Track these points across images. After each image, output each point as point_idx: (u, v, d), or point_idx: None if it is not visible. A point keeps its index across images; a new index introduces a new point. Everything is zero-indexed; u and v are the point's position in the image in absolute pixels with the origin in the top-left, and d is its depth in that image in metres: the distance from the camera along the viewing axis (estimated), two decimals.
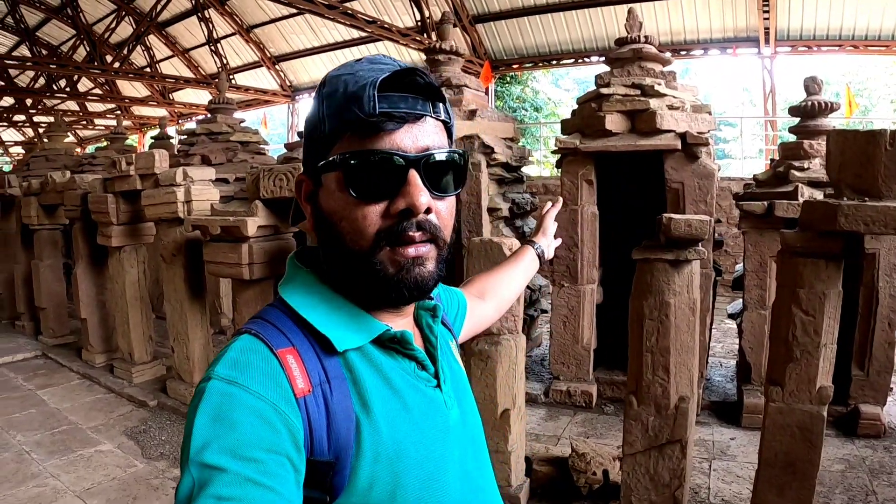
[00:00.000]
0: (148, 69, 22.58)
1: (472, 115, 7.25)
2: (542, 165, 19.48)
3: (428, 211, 0.97)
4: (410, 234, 0.96)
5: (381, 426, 0.95)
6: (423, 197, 0.95)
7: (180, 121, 26.76)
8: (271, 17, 20.07)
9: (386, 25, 14.90)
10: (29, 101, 24.16)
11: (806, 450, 3.40)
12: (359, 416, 0.95)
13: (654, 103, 5.88)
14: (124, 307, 7.21)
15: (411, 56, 18.65)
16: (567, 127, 6.50)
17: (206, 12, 20.31)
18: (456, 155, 1.01)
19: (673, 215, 3.41)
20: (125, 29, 20.93)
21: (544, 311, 7.77)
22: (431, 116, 0.99)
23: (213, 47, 21.10)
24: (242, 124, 11.81)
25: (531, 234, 2.03)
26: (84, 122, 30.22)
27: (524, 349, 4.16)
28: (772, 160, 7.12)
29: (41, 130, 23.74)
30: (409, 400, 1.01)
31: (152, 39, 22.72)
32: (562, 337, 6.36)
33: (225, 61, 21.56)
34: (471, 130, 6.96)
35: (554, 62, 16.99)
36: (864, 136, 3.54)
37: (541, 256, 1.94)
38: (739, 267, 6.68)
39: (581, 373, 6.31)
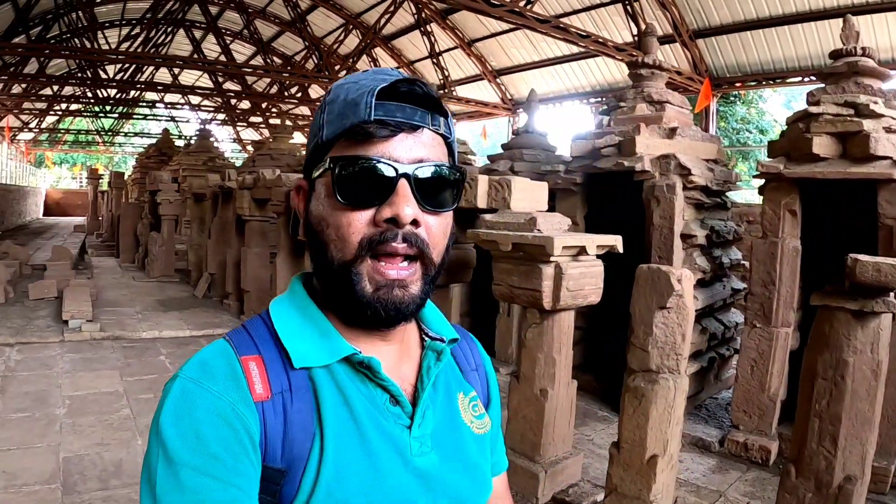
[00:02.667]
0: None
1: (671, 133, 6.89)
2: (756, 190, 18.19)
3: (416, 224, 0.94)
4: (394, 244, 0.92)
5: (329, 447, 0.94)
6: (408, 208, 0.92)
7: None
8: (492, 32, 20.41)
9: (600, 40, 14.62)
10: (264, 105, 26.44)
11: None
12: (315, 432, 0.95)
13: (868, 125, 5.16)
14: None
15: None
16: (773, 150, 5.90)
17: (428, 27, 21.05)
18: (451, 170, 0.98)
19: (860, 256, 2.95)
20: (353, 41, 22.37)
21: (738, 351, 7.19)
22: (429, 128, 0.96)
23: (434, 60, 21.88)
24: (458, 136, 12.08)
25: None
26: None
27: (685, 392, 3.80)
28: None
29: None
30: (366, 429, 0.96)
31: (378, 52, 24.05)
32: (747, 383, 5.76)
33: (447, 73, 22.27)
34: (668, 149, 6.62)
35: (779, 80, 15.64)
36: None
37: None
38: None
39: (763, 425, 5.65)
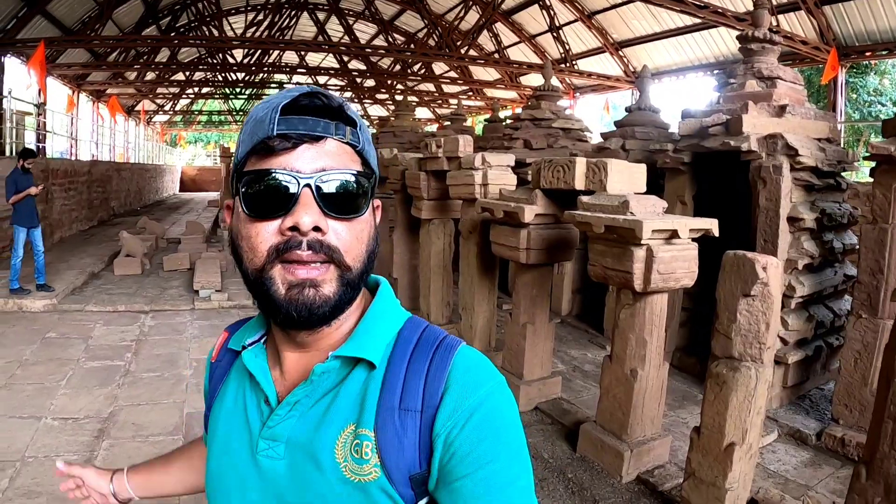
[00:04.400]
0: (496, 55, 24.01)
1: (781, 111, 6.69)
2: None
3: (320, 231, 0.96)
4: (298, 252, 0.95)
5: (211, 415, 1.21)
6: (307, 216, 0.94)
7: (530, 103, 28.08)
8: (611, 3, 20.02)
9: (719, 10, 14.12)
10: (389, 82, 27.02)
11: None
12: (214, 400, 1.23)
13: None
14: (428, 273, 8.05)
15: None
16: (888, 129, 5.51)
17: (547, 0, 20.92)
18: (358, 177, 1.00)
19: None
20: (473, 17, 22.49)
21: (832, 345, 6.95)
22: (333, 138, 0.99)
23: (555, 34, 21.75)
24: (567, 111, 12.20)
25: None
26: (439, 102, 32.93)
27: (767, 381, 3.84)
28: None
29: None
30: (238, 415, 1.13)
31: (499, 27, 24.07)
32: (850, 375, 5.55)
33: (567, 47, 22.10)
34: (777, 128, 6.42)
35: None
36: None
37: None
38: None
39: (864, 421, 5.28)
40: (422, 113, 27.12)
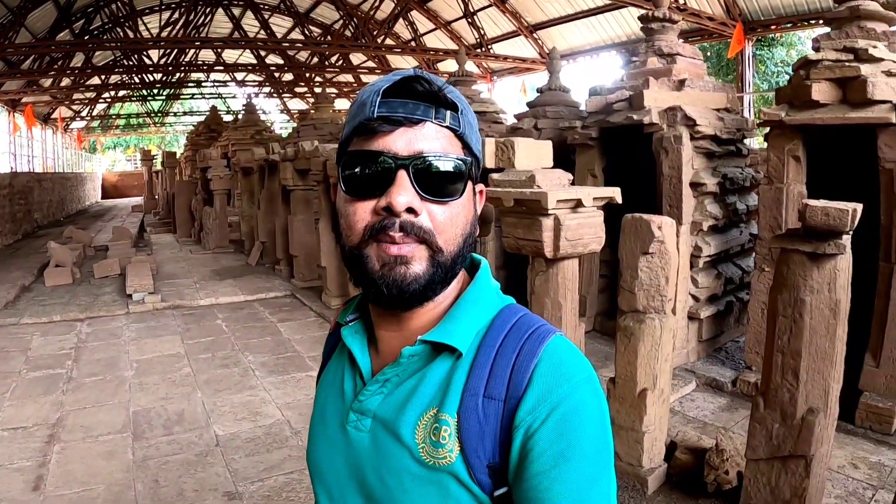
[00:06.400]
0: (412, 42, 24.11)
1: (680, 85, 7.04)
2: None
3: (414, 213, 0.97)
4: (391, 233, 0.97)
5: (318, 386, 1.28)
6: (402, 197, 0.96)
7: None
8: None
9: None
10: (307, 75, 26.82)
11: None
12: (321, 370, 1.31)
13: (866, 69, 5.22)
14: None
15: None
16: (780, 97, 5.94)
17: None
18: (450, 160, 1.00)
19: (810, 201, 3.18)
20: (388, 5, 22.54)
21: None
22: (432, 122, 1.00)
23: (470, 19, 21.99)
24: (482, 95, 12.37)
25: None
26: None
27: (671, 330, 4.13)
28: None
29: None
30: (336, 385, 1.18)
31: (415, 14, 24.19)
32: (758, 325, 5.83)
33: (483, 32, 22.34)
34: (676, 101, 6.77)
35: (814, 21, 14.89)
36: None
37: None
38: None
39: None
40: (342, 104, 26.93)
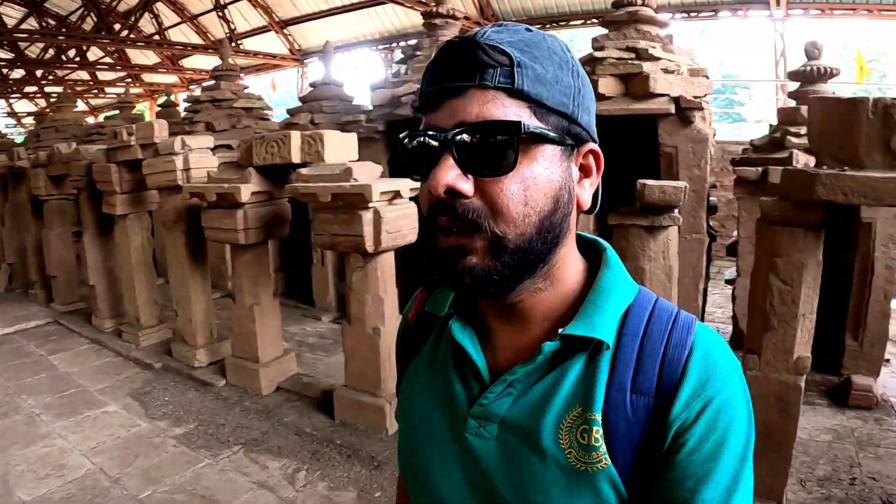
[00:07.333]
0: (157, 36, 22.56)
1: None
2: None
3: (456, 194, 0.85)
4: (441, 217, 0.87)
5: (403, 383, 1.16)
6: (440, 178, 0.84)
7: (191, 87, 26.70)
8: None
9: None
10: (39, 73, 24.23)
11: (782, 420, 3.37)
12: (406, 365, 1.17)
13: (647, 67, 5.81)
14: (130, 273, 7.38)
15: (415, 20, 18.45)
16: None
17: None
18: (492, 127, 0.84)
19: (648, 181, 3.40)
20: None
21: None
22: (475, 86, 0.85)
23: (220, 13, 21.04)
24: (247, 90, 11.88)
25: None
26: (95, 91, 30.22)
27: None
28: (769, 125, 7.08)
29: (52, 101, 23.82)
30: (435, 385, 1.05)
31: (160, 7, 22.60)
32: None
33: (233, 27, 21.48)
34: None
35: (563, 23, 16.59)
36: (846, 104, 3.44)
37: None
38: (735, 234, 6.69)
39: None
40: (82, 106, 24.66)
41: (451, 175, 0.84)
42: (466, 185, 0.85)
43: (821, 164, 3.58)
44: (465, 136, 0.84)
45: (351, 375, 5.20)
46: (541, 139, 0.86)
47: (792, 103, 6.77)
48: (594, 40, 6.40)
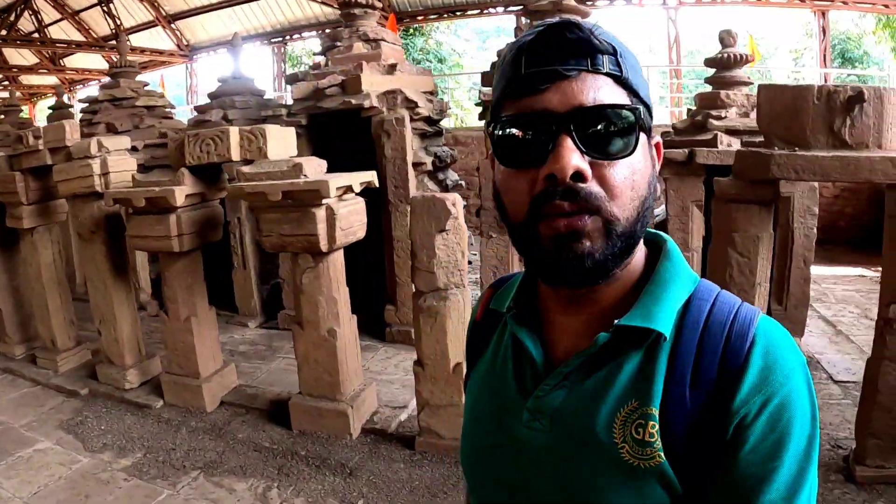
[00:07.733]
0: (36, 34, 21.26)
1: (391, 69, 7.19)
2: (451, 118, 19.54)
3: (582, 178, 0.84)
4: (557, 202, 0.85)
5: (470, 380, 1.18)
6: (565, 162, 0.83)
7: (72, 88, 25.40)
8: None
9: None
10: None
11: None
12: (473, 363, 1.19)
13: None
14: (41, 292, 6.80)
15: (318, 10, 18.19)
16: (486, 79, 6.57)
17: None
18: (617, 111, 0.86)
19: None
20: None
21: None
22: (588, 71, 0.86)
23: (104, 8, 20.02)
24: (147, 87, 11.37)
25: None
26: None
27: (471, 301, 4.23)
28: (688, 109, 7.39)
29: None
30: (492, 379, 1.08)
31: (39, 3, 21.25)
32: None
33: (119, 22, 20.51)
34: (392, 85, 6.94)
35: (459, 13, 16.87)
36: (793, 91, 3.79)
37: None
38: (660, 211, 6.89)
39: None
40: None
41: (576, 157, 0.84)
42: (586, 168, 0.85)
43: (771, 145, 3.89)
44: (587, 118, 0.85)
45: (306, 382, 5.01)
46: (643, 127, 0.90)
47: (705, 87, 7.05)
48: (517, 30, 6.47)
